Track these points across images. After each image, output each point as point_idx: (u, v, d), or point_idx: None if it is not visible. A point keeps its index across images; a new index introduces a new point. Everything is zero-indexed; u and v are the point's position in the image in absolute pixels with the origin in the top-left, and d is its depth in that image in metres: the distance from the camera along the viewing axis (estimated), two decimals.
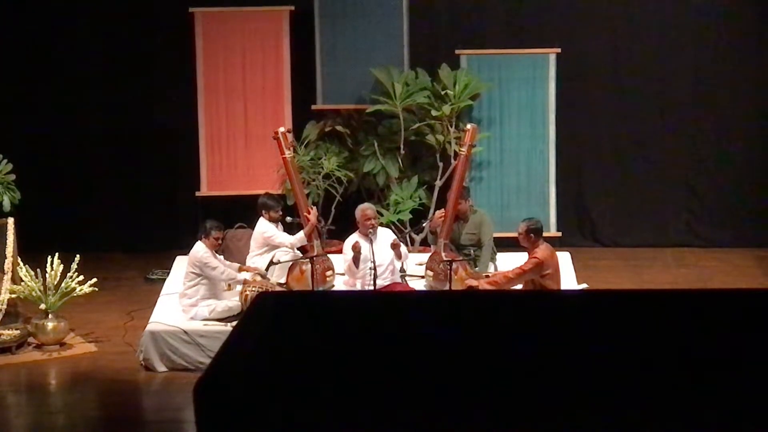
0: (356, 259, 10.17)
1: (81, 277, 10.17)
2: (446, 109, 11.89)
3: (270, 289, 9.81)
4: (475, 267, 10.47)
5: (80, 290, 10.17)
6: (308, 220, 10.64)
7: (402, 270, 10.50)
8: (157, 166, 12.95)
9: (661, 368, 3.39)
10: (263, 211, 10.72)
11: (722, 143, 12.80)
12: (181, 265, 10.92)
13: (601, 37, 12.76)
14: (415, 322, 3.72)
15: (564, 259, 10.77)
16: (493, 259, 10.93)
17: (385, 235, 10.44)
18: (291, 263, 10.48)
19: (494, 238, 10.90)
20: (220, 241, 10.24)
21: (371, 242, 10.14)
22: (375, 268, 10.00)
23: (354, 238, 10.38)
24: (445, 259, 10.21)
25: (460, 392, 3.30)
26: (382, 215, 11.60)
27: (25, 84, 12.84)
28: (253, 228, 10.86)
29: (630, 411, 3.24)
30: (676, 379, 3.34)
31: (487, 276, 10.18)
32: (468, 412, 3.25)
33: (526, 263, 9.75)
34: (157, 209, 12.99)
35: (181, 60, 12.49)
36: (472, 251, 10.66)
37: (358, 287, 10.12)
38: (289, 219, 10.94)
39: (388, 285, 10.17)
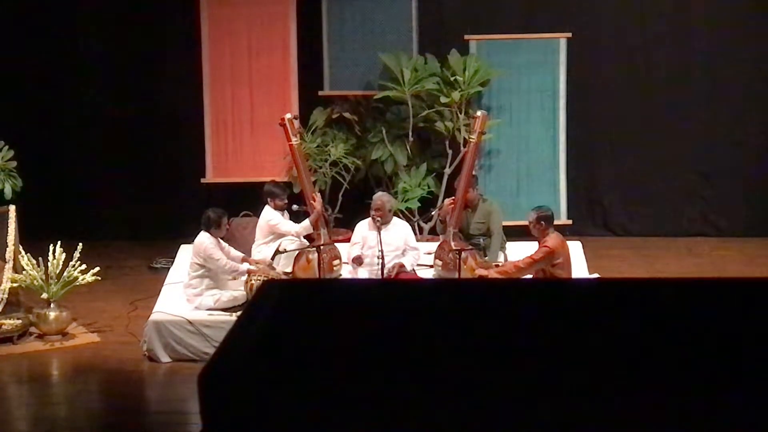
0: (358, 262, 10.29)
1: (83, 266, 10.12)
2: (456, 95, 11.79)
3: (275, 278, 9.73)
4: (485, 256, 10.38)
5: (83, 279, 10.13)
6: (314, 208, 10.56)
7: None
8: (161, 152, 12.90)
9: (675, 358, 3.33)
10: (269, 199, 10.67)
11: (736, 131, 12.72)
12: (185, 253, 10.91)
13: (612, 22, 12.68)
14: (423, 311, 3.65)
15: (575, 248, 10.72)
16: (502, 248, 10.86)
17: (399, 228, 10.38)
18: (297, 252, 10.40)
19: (504, 226, 10.84)
20: (227, 227, 10.20)
21: (379, 231, 10.09)
22: (382, 257, 9.94)
23: (364, 223, 10.37)
24: (454, 248, 10.13)
25: (469, 382, 3.24)
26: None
27: (27, 70, 12.78)
28: (258, 216, 10.78)
29: (642, 401, 3.17)
30: (690, 369, 3.28)
31: (497, 265, 10.13)
32: (477, 403, 3.18)
33: (536, 252, 9.69)
34: (161, 197, 12.93)
35: (186, 44, 12.41)
36: (481, 240, 10.61)
37: (366, 276, 10.07)
38: (295, 207, 10.89)
39: (395, 275, 10.10)
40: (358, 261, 10.27)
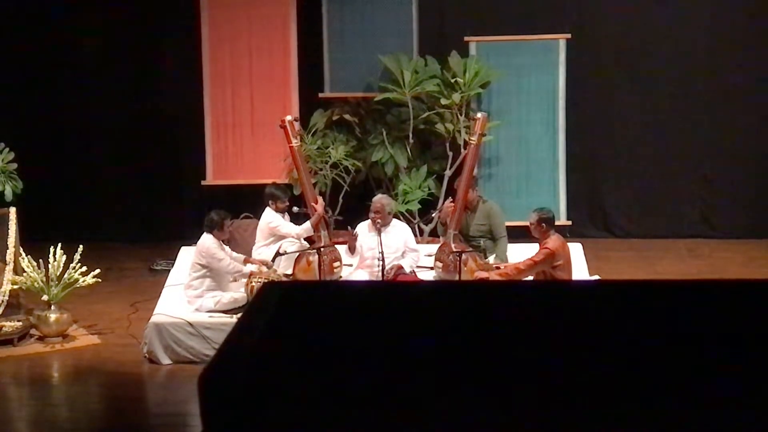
0: (351, 248, 10.30)
1: (84, 268, 10.09)
2: (456, 97, 11.78)
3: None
4: (486, 258, 10.37)
5: (83, 281, 10.11)
6: (315, 210, 10.56)
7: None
8: (161, 154, 12.89)
9: (676, 360, 3.30)
10: (270, 201, 10.64)
11: (736, 132, 12.70)
12: (185, 256, 10.89)
13: (612, 23, 12.67)
14: (424, 312, 3.64)
15: (576, 249, 10.69)
16: None
17: (399, 230, 10.37)
18: (298, 254, 10.39)
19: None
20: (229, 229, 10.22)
21: (379, 233, 10.08)
22: (383, 259, 9.93)
23: (364, 225, 10.37)
24: (454, 250, 10.11)
25: (470, 383, 3.22)
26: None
27: (28, 72, 12.77)
28: (259, 218, 10.76)
29: (642, 403, 3.15)
30: (691, 371, 3.25)
31: (498, 267, 10.09)
32: (478, 404, 3.16)
33: (537, 254, 9.67)
34: (161, 199, 12.93)
35: (186, 46, 12.41)
36: (481, 242, 10.57)
37: (366, 278, 10.05)
38: (295, 209, 10.88)
39: (395, 277, 10.09)
40: (351, 249, 10.30)
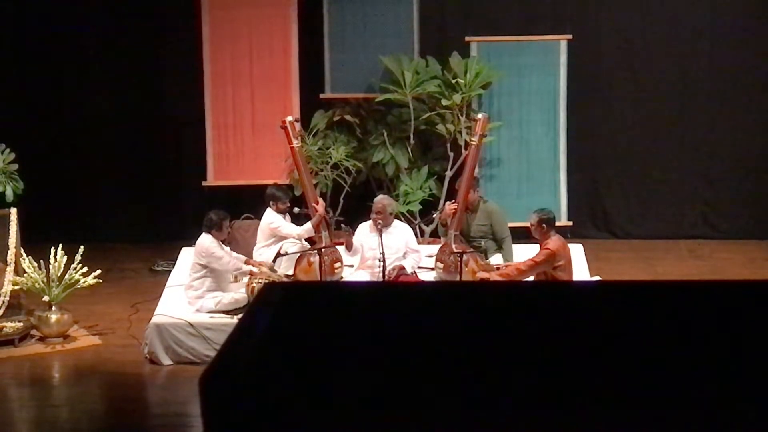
0: (347, 245, 10.27)
1: (85, 269, 10.09)
2: (457, 98, 11.78)
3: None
4: (486, 258, 10.38)
5: (84, 282, 10.11)
6: (316, 210, 10.56)
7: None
8: (162, 155, 12.89)
9: (676, 361, 3.30)
10: (271, 202, 10.65)
11: (738, 133, 12.69)
12: (186, 256, 10.89)
13: (612, 24, 12.67)
14: (425, 313, 3.64)
15: (576, 250, 10.69)
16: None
17: (400, 231, 10.37)
18: (299, 255, 10.39)
19: None
20: (228, 230, 10.21)
21: (380, 234, 10.08)
22: (384, 260, 9.93)
23: (365, 226, 10.37)
24: (455, 251, 10.11)
25: (470, 384, 3.21)
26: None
27: (28, 73, 12.77)
28: (260, 219, 10.77)
29: (642, 404, 3.14)
30: (691, 372, 3.25)
31: (498, 268, 10.09)
32: (478, 405, 3.15)
33: (537, 255, 9.68)
34: (162, 199, 12.93)
35: (186, 46, 12.40)
36: (482, 243, 10.57)
37: (367, 278, 10.06)
38: (296, 210, 10.88)
39: (395, 277, 10.10)
40: (348, 246, 10.28)
